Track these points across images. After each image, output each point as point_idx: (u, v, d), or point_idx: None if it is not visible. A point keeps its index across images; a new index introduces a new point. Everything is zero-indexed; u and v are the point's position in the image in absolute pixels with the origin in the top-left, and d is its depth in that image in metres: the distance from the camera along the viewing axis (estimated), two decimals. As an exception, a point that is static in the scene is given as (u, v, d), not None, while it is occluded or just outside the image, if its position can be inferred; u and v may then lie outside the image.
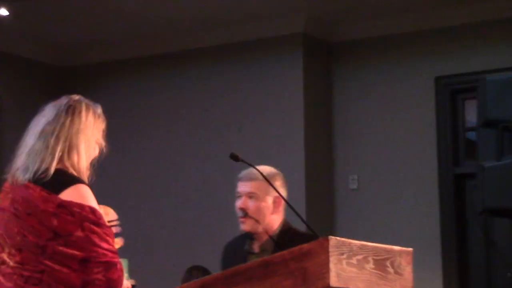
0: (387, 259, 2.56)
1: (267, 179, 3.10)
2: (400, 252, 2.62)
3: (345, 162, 5.96)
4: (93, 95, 7.26)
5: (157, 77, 6.30)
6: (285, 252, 2.40)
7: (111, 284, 2.46)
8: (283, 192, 3.23)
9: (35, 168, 2.55)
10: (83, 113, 2.63)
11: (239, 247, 3.21)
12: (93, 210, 2.50)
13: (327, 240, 2.34)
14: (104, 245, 2.46)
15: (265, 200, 3.21)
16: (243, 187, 3.23)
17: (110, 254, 2.47)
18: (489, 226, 5.54)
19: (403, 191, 5.77)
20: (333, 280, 2.33)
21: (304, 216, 5.53)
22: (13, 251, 2.48)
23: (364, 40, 5.97)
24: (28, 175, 2.55)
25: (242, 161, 3.26)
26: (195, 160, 6.10)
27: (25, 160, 2.58)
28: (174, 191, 6.16)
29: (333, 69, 6.06)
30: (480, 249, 5.61)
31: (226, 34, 6.05)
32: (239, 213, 3.19)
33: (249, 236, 3.21)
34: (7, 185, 2.61)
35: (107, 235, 2.50)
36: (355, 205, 5.89)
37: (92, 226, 2.47)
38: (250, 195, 3.21)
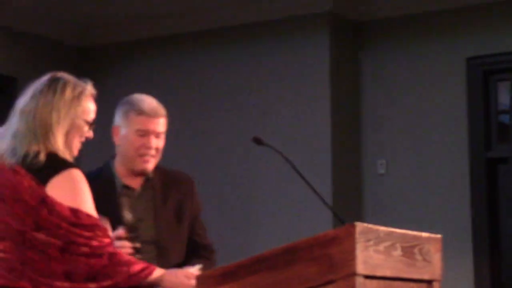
0: (415, 246, 2.51)
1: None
2: (428, 239, 2.57)
3: (373, 146, 5.88)
4: (112, 76, 7.25)
5: (179, 57, 6.23)
6: (309, 238, 2.35)
7: (93, 272, 2.44)
8: None
9: (23, 151, 2.51)
10: (58, 91, 2.57)
11: (105, 181, 3.05)
12: (74, 211, 2.46)
13: (354, 227, 2.29)
14: (86, 233, 2.44)
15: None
16: (153, 125, 3.03)
17: (93, 245, 2.45)
18: (522, 212, 5.45)
19: (432, 176, 5.68)
20: (359, 267, 2.28)
21: (330, 202, 5.49)
22: None
23: (393, 19, 5.87)
24: (17, 159, 2.50)
25: (266, 144, 3.19)
26: (216, 143, 6.03)
27: (10, 142, 2.53)
28: (195, 175, 6.10)
29: (360, 49, 5.96)
30: (512, 235, 5.52)
31: (251, 13, 5.97)
32: (144, 152, 3.01)
33: (113, 175, 3.05)
34: None
35: (91, 232, 2.47)
36: (383, 191, 5.81)
37: (71, 227, 2.44)
38: (159, 135, 3.06)
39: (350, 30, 5.95)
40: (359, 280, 2.28)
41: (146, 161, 3.03)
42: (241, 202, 5.86)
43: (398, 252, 2.43)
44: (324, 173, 5.58)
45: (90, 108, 2.64)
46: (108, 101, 6.51)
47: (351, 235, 2.28)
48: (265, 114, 5.87)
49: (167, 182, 3.13)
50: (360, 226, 2.30)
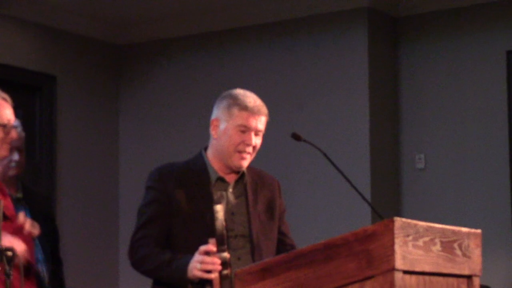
0: (454, 241, 2.49)
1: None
2: (468, 234, 2.55)
3: (411, 140, 5.85)
4: (150, 73, 7.25)
5: (215, 54, 6.25)
6: (348, 234, 2.35)
7: None
8: None
9: None
10: None
11: (198, 172, 3.04)
12: None
13: (392, 222, 2.29)
14: None
15: None
16: (255, 122, 3.00)
17: None
18: None
19: (472, 170, 5.63)
20: (398, 263, 2.28)
21: (369, 197, 5.47)
22: None
23: (431, 14, 5.83)
24: None
25: (305, 140, 3.19)
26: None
27: None
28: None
29: (398, 44, 5.93)
30: (553, 230, 5.45)
31: (288, 9, 5.97)
32: (242, 148, 2.99)
33: (206, 166, 3.04)
34: None
35: None
36: (421, 186, 5.78)
37: None
38: (258, 133, 3.04)
39: (388, 25, 5.92)
40: (398, 276, 2.28)
41: (243, 158, 3.02)
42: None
43: (437, 247, 2.42)
44: (362, 168, 5.56)
45: None
46: (146, 98, 6.57)
47: (390, 230, 2.28)
48: (303, 110, 5.87)
49: (257, 180, 3.13)
50: (399, 221, 2.30)
